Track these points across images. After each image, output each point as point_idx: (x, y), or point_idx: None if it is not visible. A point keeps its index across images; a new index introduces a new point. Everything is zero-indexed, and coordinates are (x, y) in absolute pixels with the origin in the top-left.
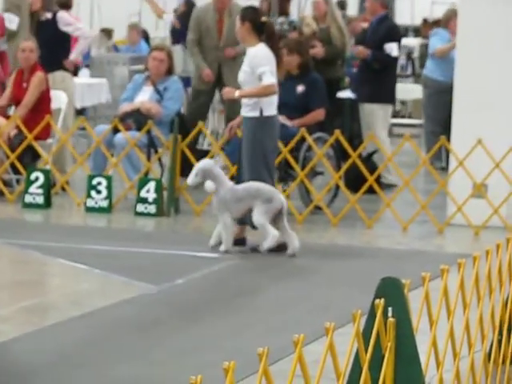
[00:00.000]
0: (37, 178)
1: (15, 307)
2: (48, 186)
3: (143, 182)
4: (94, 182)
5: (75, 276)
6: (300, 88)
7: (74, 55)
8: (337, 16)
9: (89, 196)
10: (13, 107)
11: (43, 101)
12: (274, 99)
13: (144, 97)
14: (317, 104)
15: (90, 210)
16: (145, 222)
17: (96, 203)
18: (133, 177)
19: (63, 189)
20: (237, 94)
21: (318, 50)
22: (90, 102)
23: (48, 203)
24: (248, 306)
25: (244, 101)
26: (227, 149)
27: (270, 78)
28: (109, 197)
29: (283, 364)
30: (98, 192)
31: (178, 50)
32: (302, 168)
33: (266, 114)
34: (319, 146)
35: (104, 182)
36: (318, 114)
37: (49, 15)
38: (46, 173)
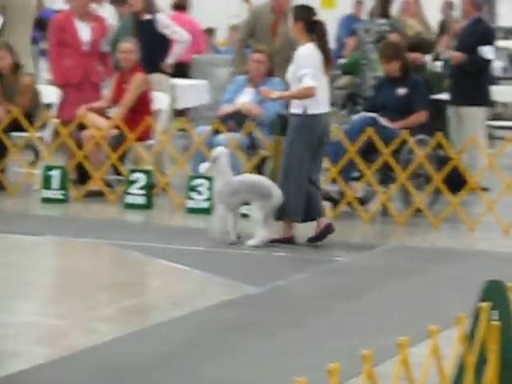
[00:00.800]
0: (137, 179)
1: (116, 307)
2: (149, 187)
3: None
4: (195, 183)
5: (176, 277)
6: (401, 90)
7: (171, 59)
8: (425, 16)
9: (189, 197)
10: (114, 109)
11: (143, 102)
12: (321, 98)
13: (245, 98)
14: (419, 106)
15: (190, 210)
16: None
17: (196, 204)
18: None
19: (164, 190)
20: (274, 95)
21: (418, 57)
22: (191, 104)
23: (149, 204)
24: (349, 307)
25: None
26: (328, 149)
27: (310, 81)
28: (209, 198)
29: (385, 366)
30: (199, 193)
31: None
32: (404, 170)
33: (310, 112)
34: (421, 148)
35: (204, 183)
36: (421, 116)
37: (149, 16)
38: (147, 174)
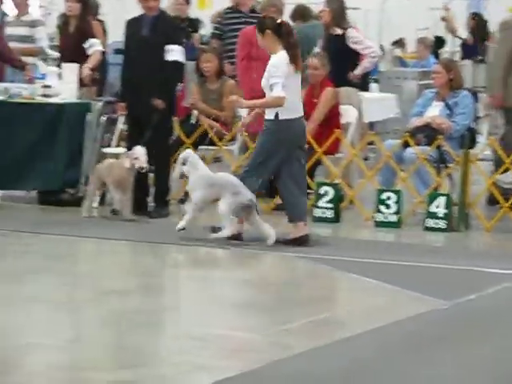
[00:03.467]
0: (326, 192)
1: (305, 321)
2: (337, 201)
3: (433, 197)
4: (384, 196)
5: (365, 290)
6: None
7: (358, 71)
8: None
9: (377, 210)
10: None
11: (332, 115)
12: (292, 104)
13: (434, 112)
14: None
15: (379, 224)
16: (435, 237)
17: (385, 218)
18: (422, 191)
19: (352, 203)
20: (244, 104)
21: None
22: (379, 117)
23: (337, 217)
24: None
25: None
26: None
27: (280, 91)
28: (398, 211)
29: None
30: (387, 206)
31: (467, 65)
32: None
33: (282, 117)
34: None
35: (393, 197)
36: None
37: (339, 31)
38: (336, 187)
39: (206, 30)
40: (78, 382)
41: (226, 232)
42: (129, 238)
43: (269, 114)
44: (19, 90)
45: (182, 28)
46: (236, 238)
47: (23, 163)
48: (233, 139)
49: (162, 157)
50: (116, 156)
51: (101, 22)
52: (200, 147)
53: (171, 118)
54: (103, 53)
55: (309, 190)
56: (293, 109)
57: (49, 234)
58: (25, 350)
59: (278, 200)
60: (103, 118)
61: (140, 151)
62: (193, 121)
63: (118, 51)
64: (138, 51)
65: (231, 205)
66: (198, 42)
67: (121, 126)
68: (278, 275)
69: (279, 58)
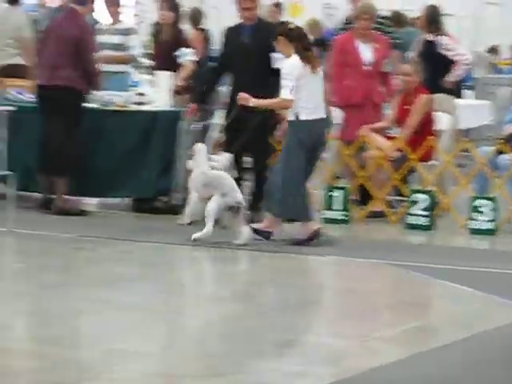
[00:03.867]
0: (420, 200)
1: (399, 329)
2: (431, 208)
3: None
4: (478, 203)
5: (458, 298)
6: None
7: (451, 78)
8: None
9: (472, 218)
10: (396, 129)
11: (426, 122)
12: (312, 105)
13: None
14: None
15: (473, 231)
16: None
17: (480, 225)
18: None
19: (446, 210)
20: (252, 102)
21: None
22: (473, 124)
23: (431, 225)
24: None
25: None
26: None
27: (288, 94)
28: (493, 219)
29: None
30: (482, 214)
31: None
32: None
33: (302, 118)
34: None
35: (488, 204)
36: None
37: (432, 37)
38: (430, 194)
39: None
40: None
41: (206, 232)
42: (222, 244)
43: (290, 116)
44: (113, 98)
45: None
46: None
47: (117, 171)
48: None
49: (260, 163)
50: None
51: (203, 30)
52: None
53: (270, 126)
54: (198, 61)
55: (402, 197)
56: (312, 109)
57: (144, 241)
58: (118, 356)
59: (371, 207)
60: (196, 126)
61: (222, 159)
62: None
63: (211, 59)
64: (239, 58)
65: (219, 205)
66: None
67: (214, 133)
68: (370, 282)
69: (291, 62)
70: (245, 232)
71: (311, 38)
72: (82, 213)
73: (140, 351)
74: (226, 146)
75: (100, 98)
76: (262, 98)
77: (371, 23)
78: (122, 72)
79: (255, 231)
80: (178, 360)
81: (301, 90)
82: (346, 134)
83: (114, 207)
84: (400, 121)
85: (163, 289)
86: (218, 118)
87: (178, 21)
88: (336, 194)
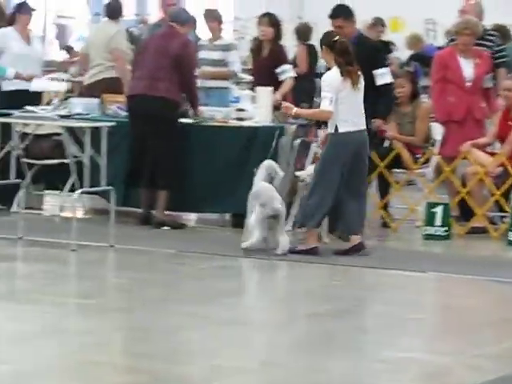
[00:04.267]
0: None
1: (500, 346)
2: None
3: None
4: None
5: None
6: None
7: None
8: None
9: None
10: (498, 144)
11: None
12: (350, 117)
13: None
14: None
15: None
16: None
17: None
18: None
19: None
20: (293, 111)
21: None
22: None
23: None
24: None
25: None
26: None
27: (327, 106)
28: None
29: None
30: None
31: None
32: None
33: (341, 130)
34: None
35: None
36: None
37: None
38: None
39: (399, 53)
40: None
41: (251, 241)
42: (318, 260)
43: (329, 128)
44: (213, 114)
45: (383, 49)
46: (312, 252)
47: (216, 186)
48: (426, 162)
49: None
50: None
51: (309, 46)
52: (393, 170)
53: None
54: (296, 77)
55: (504, 213)
56: (352, 123)
57: (242, 256)
58: (218, 372)
59: (472, 223)
60: (297, 142)
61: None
62: (386, 144)
63: (317, 75)
64: None
65: (258, 215)
66: (396, 66)
67: (315, 149)
68: (472, 299)
69: (331, 74)
70: (283, 241)
71: (411, 52)
72: (181, 226)
73: (240, 366)
74: None
75: (201, 114)
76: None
77: (473, 38)
78: (223, 88)
79: (302, 252)
80: (280, 375)
81: (340, 103)
82: (447, 150)
83: (213, 223)
84: (502, 137)
85: (263, 304)
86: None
87: (278, 37)
88: (437, 210)
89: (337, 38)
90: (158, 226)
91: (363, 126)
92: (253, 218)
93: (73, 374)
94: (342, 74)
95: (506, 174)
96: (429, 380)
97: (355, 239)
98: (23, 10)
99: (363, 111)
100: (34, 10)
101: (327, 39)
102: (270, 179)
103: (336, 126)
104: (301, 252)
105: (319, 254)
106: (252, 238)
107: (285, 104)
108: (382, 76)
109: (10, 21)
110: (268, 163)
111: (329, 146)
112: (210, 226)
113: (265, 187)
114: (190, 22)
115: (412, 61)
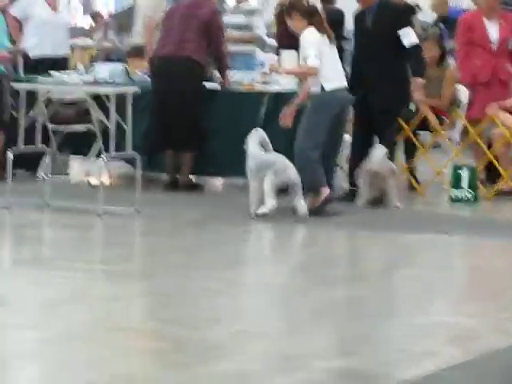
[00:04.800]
0: None
1: None
2: None
3: None
4: None
5: None
6: None
7: None
8: None
9: None
10: None
11: None
12: (332, 74)
13: None
14: None
15: None
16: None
17: None
18: None
19: None
20: (281, 70)
21: None
22: None
23: None
24: None
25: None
26: None
27: (314, 61)
28: None
29: None
30: None
31: None
32: None
33: (327, 88)
34: None
35: None
36: None
37: None
38: None
39: (424, 15)
40: (295, 369)
41: (267, 207)
42: (341, 226)
43: (314, 87)
44: (238, 78)
45: (407, 10)
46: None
47: (241, 151)
48: (453, 125)
49: (388, 143)
50: None
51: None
52: (419, 132)
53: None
54: None
55: None
56: (335, 78)
57: (265, 221)
58: (241, 337)
59: (499, 186)
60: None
61: None
62: (412, 107)
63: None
64: (366, 45)
65: (272, 182)
66: (419, 28)
67: None
68: (498, 262)
69: (309, 33)
70: (301, 206)
71: (436, 15)
72: (202, 188)
73: (264, 332)
74: (353, 126)
75: (228, 83)
76: (391, 83)
77: (497, 1)
78: (248, 52)
79: (320, 207)
80: (305, 340)
81: (322, 58)
82: (474, 113)
83: (238, 187)
84: None
85: (287, 269)
86: None
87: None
88: (463, 172)
89: (306, 2)
90: (184, 187)
91: (345, 83)
92: (266, 185)
93: (99, 340)
94: (320, 30)
95: None
96: (457, 343)
97: (324, 191)
98: None
99: (341, 67)
100: None
101: (298, 4)
102: (263, 149)
103: (322, 85)
104: (319, 208)
105: (333, 199)
106: (267, 205)
107: (271, 64)
108: (408, 36)
109: None
110: (259, 132)
111: (315, 106)
112: (235, 191)
113: (276, 156)
114: None
115: (439, 23)
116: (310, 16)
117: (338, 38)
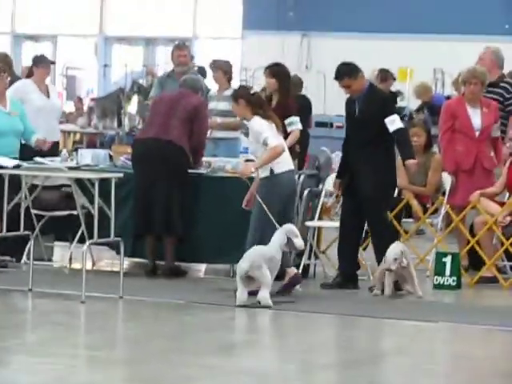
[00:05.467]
0: None
1: None
2: None
3: None
4: None
5: None
6: None
7: None
8: None
9: None
10: (506, 194)
11: None
12: (282, 158)
13: None
14: None
15: None
16: None
17: None
18: None
19: None
20: (252, 167)
21: None
22: None
23: None
24: None
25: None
26: None
27: (274, 141)
28: None
29: None
30: None
31: None
32: None
33: (276, 171)
34: None
35: None
36: None
37: None
38: None
39: (406, 102)
40: None
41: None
42: (326, 311)
43: (264, 172)
44: (223, 164)
45: (392, 98)
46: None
47: (225, 237)
48: (436, 212)
49: (378, 230)
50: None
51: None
52: (403, 220)
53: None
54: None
55: None
56: (283, 162)
57: (252, 307)
58: None
59: (482, 273)
60: (306, 191)
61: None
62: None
63: (318, 124)
64: (353, 131)
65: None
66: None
67: (324, 199)
68: (483, 349)
69: (256, 121)
70: (263, 300)
71: (421, 101)
72: (185, 274)
73: None
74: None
75: (209, 165)
76: (376, 170)
77: (480, 88)
78: (232, 138)
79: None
80: None
81: None
82: (457, 200)
83: (221, 273)
84: (511, 186)
85: (273, 355)
86: (328, 184)
87: (285, 88)
88: (447, 259)
89: (252, 91)
90: (166, 273)
91: (292, 166)
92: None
93: None
94: (267, 119)
95: None
96: None
97: (291, 272)
98: (41, 62)
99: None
100: (53, 62)
101: (244, 92)
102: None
103: (271, 169)
104: (285, 288)
105: (300, 280)
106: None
107: (243, 167)
108: (393, 123)
109: (28, 74)
110: (289, 227)
111: (266, 190)
112: (218, 277)
113: (253, 249)
114: (204, 90)
115: (423, 109)
116: (255, 106)
117: (304, 123)
